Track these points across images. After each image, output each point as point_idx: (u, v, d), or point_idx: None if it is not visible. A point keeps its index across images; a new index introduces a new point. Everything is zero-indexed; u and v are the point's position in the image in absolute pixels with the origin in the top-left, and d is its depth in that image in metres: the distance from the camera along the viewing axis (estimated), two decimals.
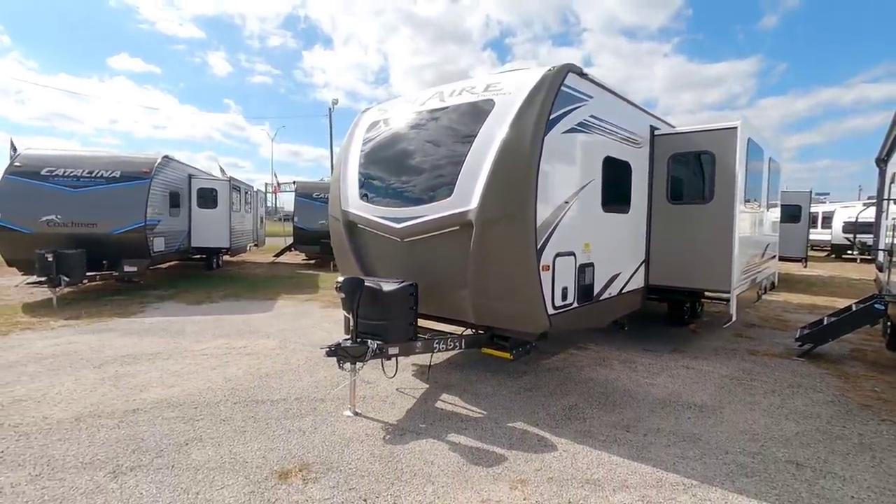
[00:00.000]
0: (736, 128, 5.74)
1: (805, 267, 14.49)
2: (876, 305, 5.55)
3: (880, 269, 7.27)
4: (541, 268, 4.05)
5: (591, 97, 4.65)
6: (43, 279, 8.48)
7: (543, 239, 4.08)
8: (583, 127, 4.58)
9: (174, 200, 11.51)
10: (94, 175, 9.69)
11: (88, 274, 9.26)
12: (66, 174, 9.58)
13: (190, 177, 12.70)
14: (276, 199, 28.56)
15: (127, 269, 9.77)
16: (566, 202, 4.38)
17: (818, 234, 21.23)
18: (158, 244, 10.50)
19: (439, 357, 5.46)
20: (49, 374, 4.94)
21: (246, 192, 16.23)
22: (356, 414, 4.02)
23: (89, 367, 5.18)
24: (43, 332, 6.69)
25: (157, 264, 11.87)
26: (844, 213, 20.99)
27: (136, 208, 9.73)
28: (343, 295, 4.02)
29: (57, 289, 8.48)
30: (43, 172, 9.49)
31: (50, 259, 8.31)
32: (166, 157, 11.14)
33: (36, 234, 9.15)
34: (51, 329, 6.90)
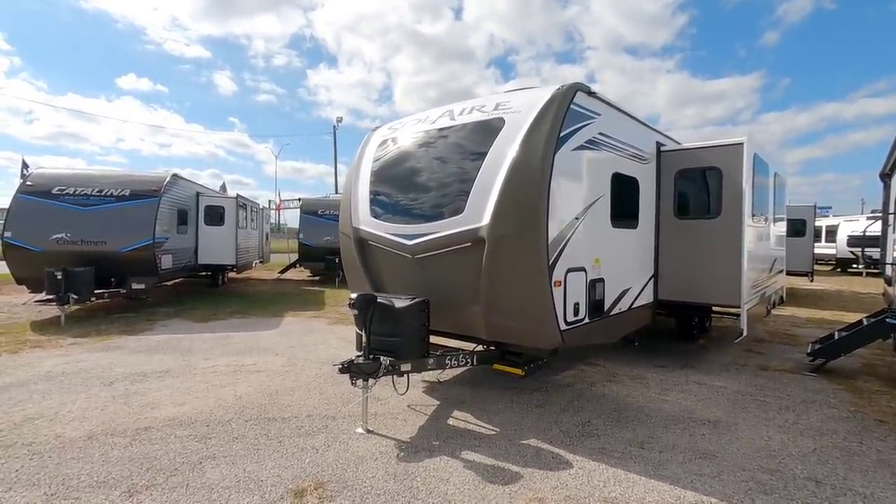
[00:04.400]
0: (742, 143, 5.80)
1: (811, 281, 14.46)
2: (888, 319, 5.52)
3: (889, 283, 7.26)
4: (553, 283, 4.06)
5: (599, 115, 4.72)
6: (51, 297, 8.53)
7: (555, 255, 4.11)
8: (591, 144, 4.64)
9: (182, 218, 11.61)
10: (103, 193, 9.81)
11: (96, 291, 9.29)
12: (76, 193, 9.70)
13: (198, 194, 12.82)
14: (279, 216, 28.64)
15: (135, 286, 9.80)
16: (576, 218, 4.41)
17: (823, 248, 21.20)
18: (166, 261, 10.56)
19: (450, 374, 5.45)
20: (60, 393, 4.94)
21: (252, 209, 16.36)
22: (369, 431, 4.00)
23: (100, 385, 5.19)
24: (52, 350, 6.71)
25: (164, 281, 11.92)
26: (848, 226, 20.99)
27: (144, 226, 9.80)
28: (356, 311, 4.04)
29: (65, 307, 8.52)
30: (54, 191, 9.61)
31: (59, 277, 8.35)
32: (175, 175, 11.27)
33: (46, 252, 9.22)
34: (60, 347, 6.91)
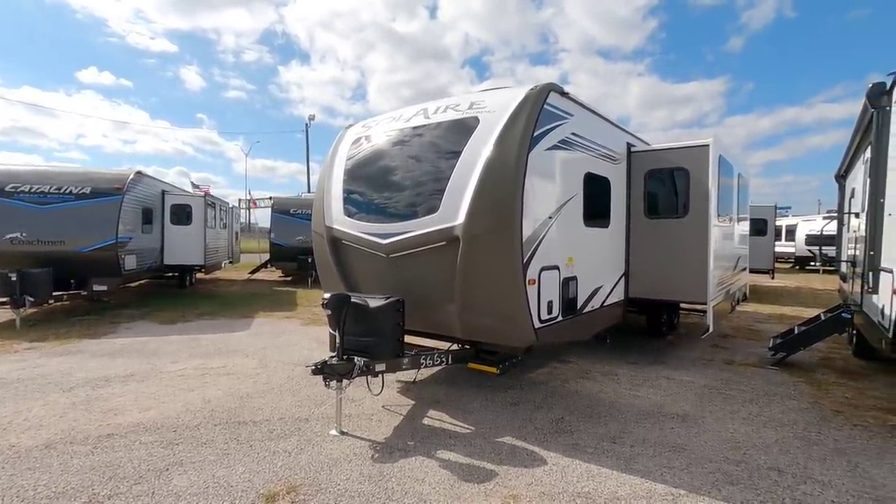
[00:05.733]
0: (708, 145, 5.99)
1: (772, 278, 15.02)
2: (843, 315, 5.79)
3: (844, 280, 7.62)
4: (527, 282, 4.10)
5: (571, 115, 4.79)
6: (5, 300, 8.11)
7: (529, 253, 4.14)
8: (564, 144, 4.70)
9: (147, 217, 11.22)
10: (62, 191, 9.38)
11: (55, 294, 8.88)
12: (32, 190, 9.25)
13: (163, 192, 12.42)
14: (250, 214, 28.02)
15: (96, 287, 9.42)
16: (550, 217, 4.46)
17: (782, 247, 22.08)
18: (130, 262, 10.17)
19: (425, 373, 5.43)
20: (15, 400, 4.70)
21: (221, 208, 15.93)
22: (342, 433, 3.94)
23: (58, 392, 4.95)
24: (6, 356, 6.37)
25: (128, 283, 11.48)
26: (806, 226, 21.94)
27: (107, 225, 9.41)
28: (329, 311, 3.98)
29: (21, 310, 8.11)
30: (8, 188, 9.14)
31: (13, 279, 7.96)
32: (139, 172, 10.87)
33: None
34: (14, 352, 6.57)
